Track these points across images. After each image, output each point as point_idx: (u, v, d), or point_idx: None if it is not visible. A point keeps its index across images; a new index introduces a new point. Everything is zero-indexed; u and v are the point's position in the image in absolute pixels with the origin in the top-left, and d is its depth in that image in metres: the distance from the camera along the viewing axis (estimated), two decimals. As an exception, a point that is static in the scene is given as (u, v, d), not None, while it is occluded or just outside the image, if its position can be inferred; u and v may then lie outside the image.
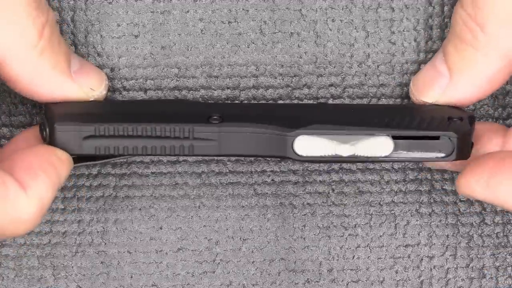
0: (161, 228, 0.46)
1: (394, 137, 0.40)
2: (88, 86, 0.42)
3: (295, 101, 0.45)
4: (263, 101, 0.45)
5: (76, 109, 0.41)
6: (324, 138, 0.40)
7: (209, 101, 0.45)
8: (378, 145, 0.40)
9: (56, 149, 0.39)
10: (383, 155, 0.40)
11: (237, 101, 0.45)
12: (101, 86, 0.42)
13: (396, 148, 0.40)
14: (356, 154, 0.40)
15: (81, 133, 0.40)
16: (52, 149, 0.39)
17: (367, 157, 0.40)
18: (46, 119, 0.40)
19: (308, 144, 0.40)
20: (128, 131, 0.40)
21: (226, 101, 0.45)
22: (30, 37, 0.39)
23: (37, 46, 0.39)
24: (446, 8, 0.45)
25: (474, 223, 0.46)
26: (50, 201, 0.38)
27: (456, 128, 0.40)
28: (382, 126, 0.40)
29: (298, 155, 0.40)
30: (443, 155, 0.40)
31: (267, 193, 0.46)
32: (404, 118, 0.41)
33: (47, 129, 0.40)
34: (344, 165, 0.46)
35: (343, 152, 0.40)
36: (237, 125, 0.40)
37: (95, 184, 0.46)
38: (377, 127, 0.40)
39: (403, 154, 0.40)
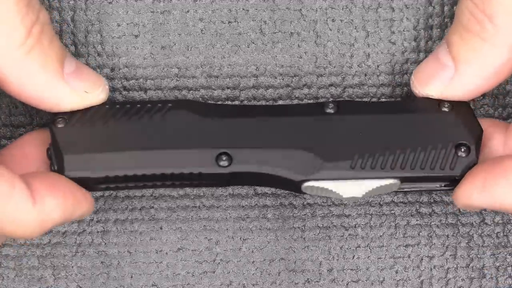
0: (161, 228, 0.46)
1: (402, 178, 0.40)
2: (82, 89, 0.41)
3: (295, 101, 0.45)
4: (263, 101, 0.45)
5: (84, 144, 0.40)
6: (332, 182, 0.40)
7: (219, 120, 0.43)
8: (385, 187, 0.40)
9: (87, 193, 0.40)
10: (388, 192, 0.41)
11: (237, 101, 0.45)
12: (96, 89, 0.41)
13: (402, 184, 0.40)
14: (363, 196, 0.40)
15: (91, 179, 0.40)
16: (83, 190, 0.40)
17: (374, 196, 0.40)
18: (54, 156, 0.40)
19: (316, 188, 0.40)
20: (138, 179, 0.40)
21: (235, 117, 0.43)
22: (17, 35, 0.38)
23: (24, 44, 0.38)
24: (446, 8, 0.45)
25: (474, 223, 0.46)
26: (54, 224, 0.38)
27: (463, 167, 0.40)
28: (389, 170, 0.40)
29: (306, 194, 0.41)
30: (448, 184, 0.41)
31: (267, 193, 0.46)
32: (410, 155, 0.40)
33: (56, 168, 0.40)
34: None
35: (351, 194, 0.40)
36: (246, 168, 0.40)
37: (95, 184, 0.46)
38: (384, 170, 0.40)
39: (408, 186, 0.41)
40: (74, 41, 0.44)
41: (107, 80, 0.44)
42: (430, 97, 0.42)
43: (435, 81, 0.41)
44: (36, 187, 0.37)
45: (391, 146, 0.40)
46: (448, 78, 0.41)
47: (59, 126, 0.40)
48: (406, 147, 0.40)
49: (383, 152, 0.40)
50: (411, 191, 0.41)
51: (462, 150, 0.40)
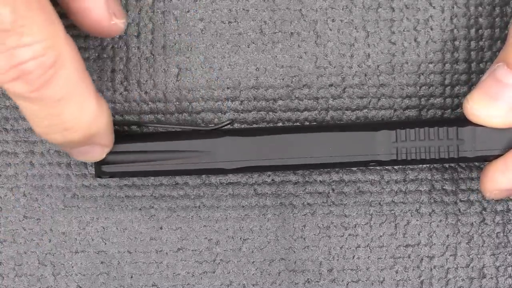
0: (161, 228, 0.46)
1: None
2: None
3: (295, 101, 0.45)
4: (263, 101, 0.45)
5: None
6: None
7: None
8: None
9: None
10: None
11: (237, 102, 0.45)
12: None
13: None
14: None
15: None
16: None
17: None
18: None
19: None
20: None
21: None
22: None
23: None
24: (446, 8, 0.45)
25: (474, 223, 0.46)
26: (100, 125, 0.40)
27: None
28: None
29: None
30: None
31: (267, 193, 0.46)
32: None
33: None
34: (344, 165, 0.46)
35: None
36: None
37: (95, 184, 0.46)
38: None
39: None
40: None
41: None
42: (494, 117, 0.42)
43: (499, 101, 0.41)
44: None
45: None
46: None
47: None
48: None
49: None
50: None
51: None
